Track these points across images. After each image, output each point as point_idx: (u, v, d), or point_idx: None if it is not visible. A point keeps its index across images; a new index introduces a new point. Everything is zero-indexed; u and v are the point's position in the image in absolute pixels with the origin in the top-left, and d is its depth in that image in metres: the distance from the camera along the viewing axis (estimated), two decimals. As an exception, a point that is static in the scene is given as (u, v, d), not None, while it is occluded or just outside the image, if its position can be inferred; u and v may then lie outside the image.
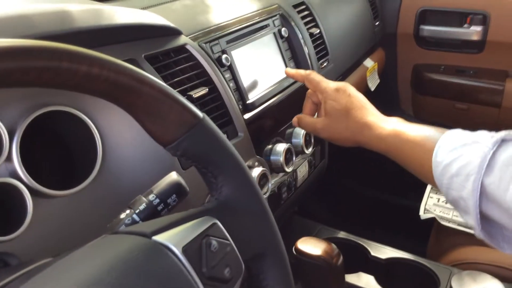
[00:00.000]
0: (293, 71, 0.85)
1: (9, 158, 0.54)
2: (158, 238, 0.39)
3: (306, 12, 1.14)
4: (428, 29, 1.62)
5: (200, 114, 0.44)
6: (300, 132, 0.93)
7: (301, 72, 0.83)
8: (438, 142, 0.62)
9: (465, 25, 1.57)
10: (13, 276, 0.43)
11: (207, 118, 0.44)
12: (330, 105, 0.75)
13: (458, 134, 0.62)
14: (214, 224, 0.43)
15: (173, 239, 0.40)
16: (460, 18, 1.58)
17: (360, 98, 0.75)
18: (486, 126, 1.62)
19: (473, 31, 1.55)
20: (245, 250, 0.45)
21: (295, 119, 0.82)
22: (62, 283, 0.35)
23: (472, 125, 1.65)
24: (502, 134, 0.58)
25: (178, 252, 0.39)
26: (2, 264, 0.55)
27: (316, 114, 0.83)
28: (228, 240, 0.43)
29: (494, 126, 1.55)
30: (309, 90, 0.82)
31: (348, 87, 0.76)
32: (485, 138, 0.58)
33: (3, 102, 0.55)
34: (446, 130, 0.64)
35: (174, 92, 0.42)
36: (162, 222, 0.42)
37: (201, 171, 0.46)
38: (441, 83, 1.65)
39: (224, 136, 0.46)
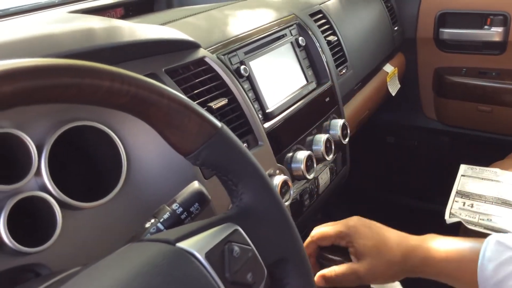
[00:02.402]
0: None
1: (38, 172, 0.56)
2: (182, 244, 0.41)
3: (323, 21, 1.15)
4: (448, 32, 1.61)
5: (219, 123, 0.45)
6: (321, 139, 0.94)
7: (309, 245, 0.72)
8: (481, 251, 0.60)
9: (486, 27, 1.55)
10: (45, 285, 0.45)
11: (226, 128, 0.45)
12: (361, 243, 0.67)
13: (498, 244, 0.60)
14: (236, 230, 0.44)
15: (196, 245, 0.41)
16: (480, 19, 1.56)
17: (372, 223, 0.71)
18: (511, 127, 1.59)
19: (494, 32, 1.53)
20: (267, 256, 0.46)
21: (319, 279, 0.68)
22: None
23: (496, 127, 1.64)
24: None
25: (201, 258, 0.40)
26: (34, 275, 0.58)
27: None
28: (249, 245, 0.44)
29: (519, 128, 1.54)
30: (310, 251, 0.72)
31: (354, 220, 0.70)
32: None
33: (31, 119, 0.57)
34: (481, 240, 0.62)
35: (193, 104, 0.43)
36: (185, 229, 0.43)
37: (222, 179, 0.47)
38: (464, 86, 1.63)
39: (242, 145, 0.47)
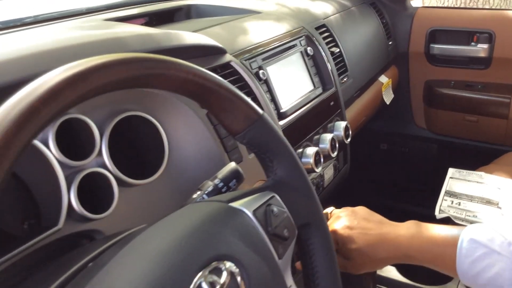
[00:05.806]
0: None
1: (99, 152, 0.66)
2: (233, 204, 0.51)
3: (327, 34, 1.27)
4: (438, 47, 1.73)
5: (261, 111, 0.55)
6: (327, 138, 1.05)
7: None
8: (457, 249, 0.66)
9: (472, 43, 1.68)
10: (117, 239, 0.55)
11: (266, 115, 0.56)
12: (346, 249, 0.75)
13: (471, 242, 0.65)
14: (273, 196, 0.55)
15: (244, 205, 0.51)
16: (467, 36, 1.69)
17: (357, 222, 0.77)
18: (495, 136, 1.71)
19: (480, 49, 1.66)
20: (295, 219, 0.56)
21: None
22: (168, 232, 0.46)
23: (481, 136, 1.75)
24: None
25: (250, 214, 0.51)
26: (89, 240, 0.68)
27: None
28: (284, 208, 0.55)
29: (502, 136, 1.66)
30: None
31: (340, 224, 0.78)
32: (502, 247, 0.63)
33: (92, 107, 0.67)
34: (460, 228, 0.69)
35: (243, 94, 0.54)
36: (234, 194, 0.54)
37: (260, 156, 0.57)
38: (452, 97, 1.75)
39: (278, 130, 0.58)
